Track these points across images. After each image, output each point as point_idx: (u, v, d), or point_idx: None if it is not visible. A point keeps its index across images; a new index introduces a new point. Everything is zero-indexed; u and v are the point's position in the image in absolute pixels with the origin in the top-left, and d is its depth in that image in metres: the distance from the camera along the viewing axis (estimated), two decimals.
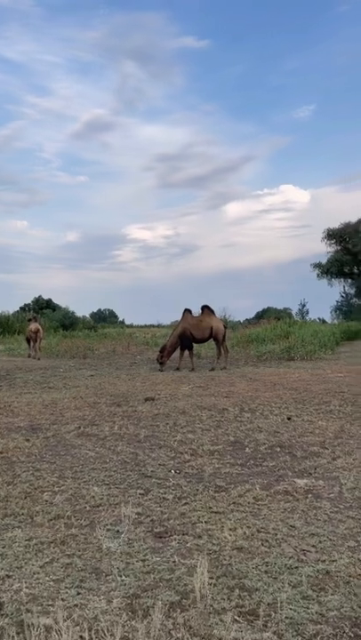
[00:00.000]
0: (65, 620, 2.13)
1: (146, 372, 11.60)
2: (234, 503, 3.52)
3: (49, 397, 7.99)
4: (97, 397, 7.92)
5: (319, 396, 7.89)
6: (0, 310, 29.69)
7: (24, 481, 4.00)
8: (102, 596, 2.36)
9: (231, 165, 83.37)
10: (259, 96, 77.17)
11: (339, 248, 39.28)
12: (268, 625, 2.14)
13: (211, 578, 2.48)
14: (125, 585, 2.46)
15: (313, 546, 2.87)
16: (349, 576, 2.54)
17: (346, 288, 41.13)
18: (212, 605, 2.28)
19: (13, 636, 2.06)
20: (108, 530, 3.08)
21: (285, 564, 2.65)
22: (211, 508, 3.43)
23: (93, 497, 3.64)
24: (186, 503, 3.53)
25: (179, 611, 2.24)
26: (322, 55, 68.57)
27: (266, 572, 2.58)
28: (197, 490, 3.80)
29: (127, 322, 50.90)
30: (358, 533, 3.04)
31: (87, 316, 43.32)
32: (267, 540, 2.93)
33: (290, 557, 2.73)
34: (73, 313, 36.57)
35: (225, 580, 2.50)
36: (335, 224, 39.19)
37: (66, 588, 2.44)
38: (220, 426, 5.91)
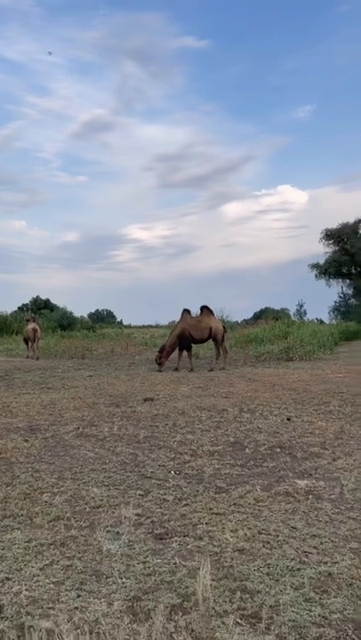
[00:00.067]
0: (66, 624, 2.11)
1: (145, 373, 11.57)
2: (234, 504, 3.50)
3: (48, 398, 7.96)
4: (96, 398, 7.89)
5: (319, 396, 7.88)
6: None
7: (23, 482, 3.97)
8: (103, 599, 2.34)
9: (231, 165, 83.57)
10: (259, 96, 77.41)
11: (337, 248, 39.31)
12: (271, 628, 2.12)
13: (212, 580, 2.47)
14: (126, 587, 2.44)
15: (315, 547, 2.85)
16: (352, 578, 2.52)
17: (344, 288, 41.25)
18: (213, 608, 2.26)
19: None
20: (108, 531, 3.06)
21: (287, 566, 2.63)
22: (211, 509, 3.41)
23: (93, 498, 3.62)
24: (186, 504, 3.51)
25: (180, 613, 2.22)
26: (322, 55, 68.81)
27: (268, 574, 2.56)
28: (198, 491, 3.78)
29: (125, 322, 50.88)
30: (360, 535, 3.03)
31: (85, 316, 43.33)
32: (268, 542, 2.91)
33: (292, 559, 2.71)
34: (71, 313, 36.59)
35: (226, 582, 2.48)
36: (333, 224, 39.28)
37: (66, 590, 2.41)
38: (220, 426, 5.89)
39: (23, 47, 68.55)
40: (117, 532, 3.05)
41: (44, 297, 40.92)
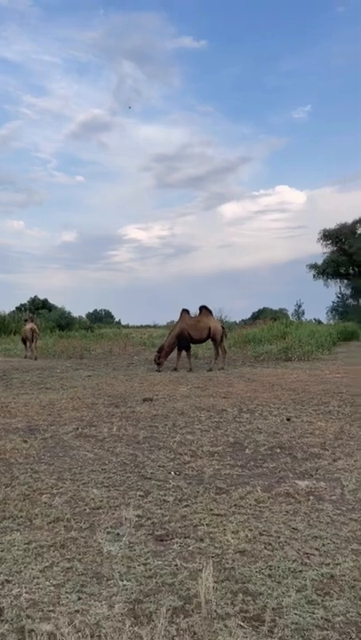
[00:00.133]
0: (67, 627, 2.09)
1: (143, 373, 11.55)
2: (235, 505, 3.48)
3: (46, 398, 7.93)
4: (95, 398, 7.87)
5: (318, 396, 7.87)
6: None
7: (22, 483, 3.95)
8: (104, 602, 2.32)
9: (228, 166, 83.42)
10: (256, 97, 77.48)
11: (335, 249, 39.41)
12: (274, 631, 2.10)
13: (214, 582, 2.44)
14: (127, 590, 2.42)
15: (316, 549, 2.84)
16: (354, 580, 2.50)
17: (342, 289, 41.33)
18: (215, 611, 2.24)
19: None
20: (108, 533, 3.04)
21: (289, 568, 2.61)
22: (212, 510, 3.39)
23: (93, 499, 3.59)
24: (187, 505, 3.49)
25: (182, 616, 2.20)
26: (319, 56, 68.99)
27: (270, 575, 2.54)
28: (198, 492, 3.76)
29: (123, 322, 50.94)
30: None
31: (83, 316, 43.34)
32: (269, 543, 2.89)
33: (293, 561, 2.69)
34: (69, 313, 36.59)
35: (228, 584, 2.46)
36: (331, 225, 39.37)
37: (66, 592, 2.39)
38: (220, 427, 5.87)
39: (21, 47, 68.49)
40: (118, 534, 3.02)
41: (42, 297, 40.94)
